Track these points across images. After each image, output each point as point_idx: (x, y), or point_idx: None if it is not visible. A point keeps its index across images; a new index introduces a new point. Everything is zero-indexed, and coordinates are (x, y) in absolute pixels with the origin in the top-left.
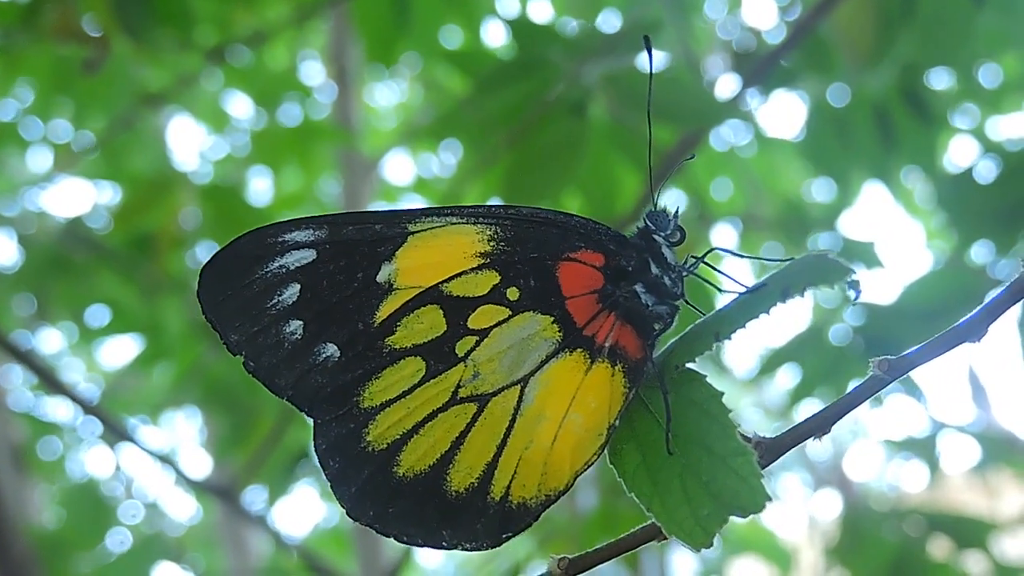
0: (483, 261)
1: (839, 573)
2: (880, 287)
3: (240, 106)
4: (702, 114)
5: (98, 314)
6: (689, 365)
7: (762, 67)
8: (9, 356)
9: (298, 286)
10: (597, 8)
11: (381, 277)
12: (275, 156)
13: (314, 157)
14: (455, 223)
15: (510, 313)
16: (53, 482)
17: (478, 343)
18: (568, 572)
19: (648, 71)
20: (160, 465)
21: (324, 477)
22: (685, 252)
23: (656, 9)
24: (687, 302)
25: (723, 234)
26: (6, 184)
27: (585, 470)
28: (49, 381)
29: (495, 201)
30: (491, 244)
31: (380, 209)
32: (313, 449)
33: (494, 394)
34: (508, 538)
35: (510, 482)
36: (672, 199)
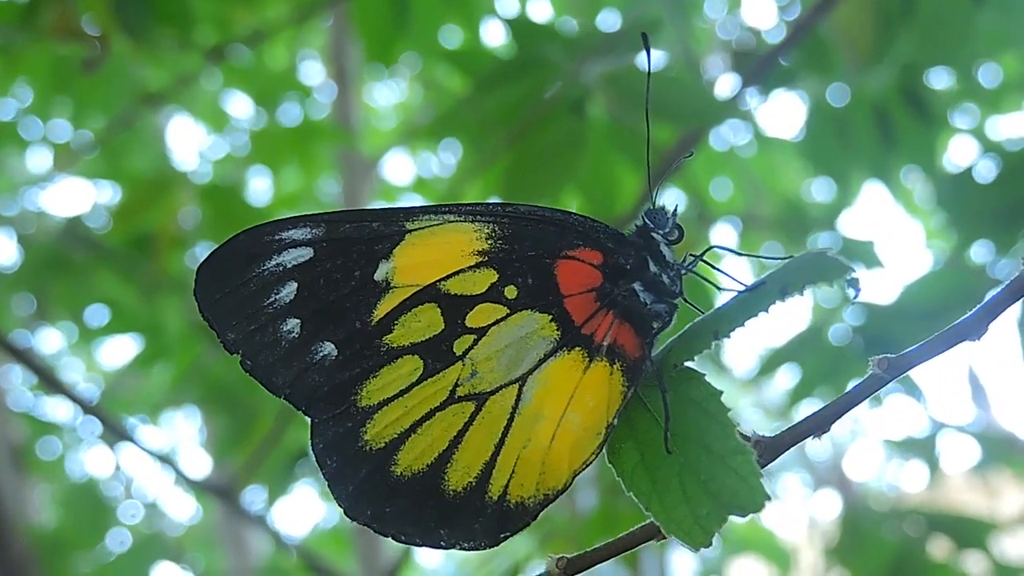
0: (481, 259)
1: (839, 573)
2: (880, 287)
3: (240, 106)
4: (702, 113)
5: (97, 314)
6: (688, 364)
7: (761, 66)
8: (9, 356)
9: (295, 284)
10: (597, 8)
11: (378, 275)
12: (274, 156)
13: (314, 157)
14: (453, 221)
15: (508, 311)
16: (53, 482)
17: (476, 342)
18: (566, 572)
19: (647, 70)
20: (160, 465)
21: (322, 476)
22: (684, 251)
23: (656, 8)
24: (686, 300)
25: (723, 234)
26: (6, 184)
27: (583, 469)
28: (49, 381)
29: (494, 200)
30: (489, 242)
31: (377, 207)
32: (311, 448)
33: (492, 393)
34: (506, 538)
35: (508, 481)
36: (671, 198)
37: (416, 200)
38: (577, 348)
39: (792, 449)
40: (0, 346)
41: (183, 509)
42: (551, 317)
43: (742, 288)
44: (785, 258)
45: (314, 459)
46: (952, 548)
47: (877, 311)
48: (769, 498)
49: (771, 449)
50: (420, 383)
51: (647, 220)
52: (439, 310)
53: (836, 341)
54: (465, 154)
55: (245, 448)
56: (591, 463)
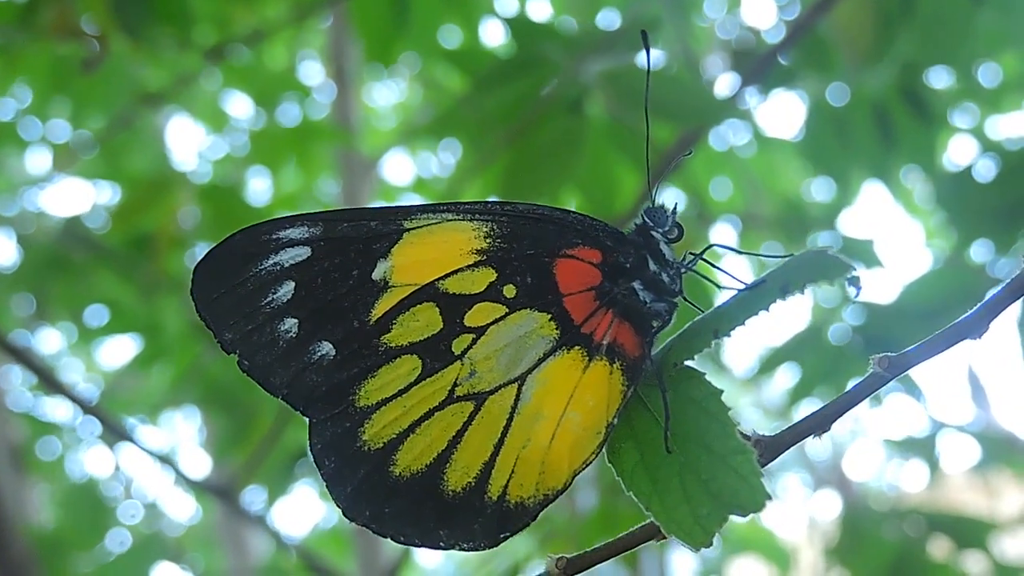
0: (479, 258)
1: (839, 573)
2: (879, 286)
3: (239, 106)
4: (701, 112)
5: (97, 314)
6: (688, 363)
7: (761, 66)
8: (8, 356)
9: (293, 284)
10: (596, 7)
11: (376, 274)
12: (274, 156)
13: (313, 157)
14: (451, 219)
15: (507, 311)
16: (52, 482)
17: (475, 341)
18: (566, 572)
19: (647, 68)
20: (159, 465)
21: (320, 477)
22: (684, 250)
23: (655, 8)
24: (686, 299)
25: (722, 233)
26: (5, 184)
27: (583, 469)
28: (48, 381)
29: (493, 199)
30: (487, 241)
31: (375, 206)
32: (309, 449)
33: (491, 392)
34: (506, 538)
35: (507, 481)
36: (671, 197)
37: (415, 200)
38: (576, 347)
39: (792, 449)
40: (0, 346)
41: (183, 509)
42: (550, 316)
43: (742, 286)
44: (785, 256)
45: (312, 460)
46: (952, 548)
47: (877, 310)
48: (770, 498)
49: (772, 448)
50: (419, 383)
51: (647, 218)
52: (437, 309)
53: (836, 340)
54: (464, 153)
55: (245, 448)
56: (591, 463)
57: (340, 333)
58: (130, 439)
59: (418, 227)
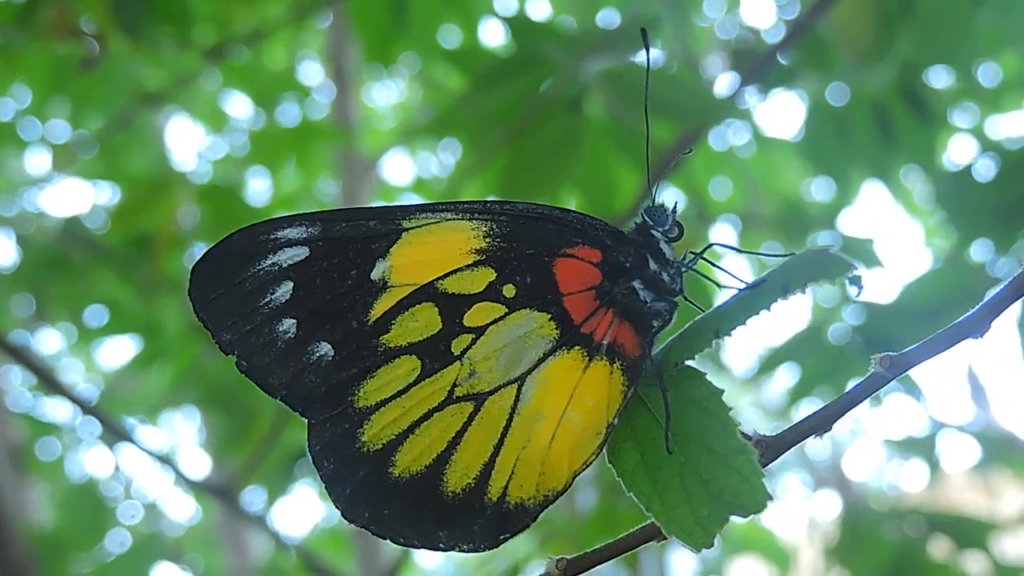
0: (479, 258)
1: (838, 573)
2: (879, 286)
3: (238, 106)
4: (701, 111)
5: (97, 314)
6: (688, 363)
7: (760, 65)
8: (8, 356)
9: (291, 284)
10: (595, 6)
11: (375, 274)
12: (273, 156)
13: (312, 157)
14: (450, 219)
15: (506, 310)
16: (52, 482)
17: (474, 341)
18: (567, 573)
19: (646, 67)
20: (159, 465)
21: (319, 478)
22: (684, 249)
23: (655, 7)
24: (686, 298)
25: (722, 233)
26: (5, 184)
27: (584, 470)
28: (48, 381)
29: (492, 199)
30: (487, 240)
31: (374, 205)
32: (308, 450)
33: (491, 393)
34: (506, 539)
35: (507, 482)
36: (671, 196)
37: (415, 200)
38: (576, 347)
39: (792, 449)
40: (0, 346)
41: (182, 509)
42: (550, 316)
43: (743, 286)
44: (786, 255)
45: (311, 461)
46: (952, 548)
47: (877, 310)
48: (771, 498)
49: (772, 449)
50: (418, 383)
51: (647, 217)
52: (437, 309)
53: (836, 340)
54: (464, 153)
55: (244, 448)
56: (591, 463)
57: (339, 333)
58: (130, 439)
59: (417, 227)
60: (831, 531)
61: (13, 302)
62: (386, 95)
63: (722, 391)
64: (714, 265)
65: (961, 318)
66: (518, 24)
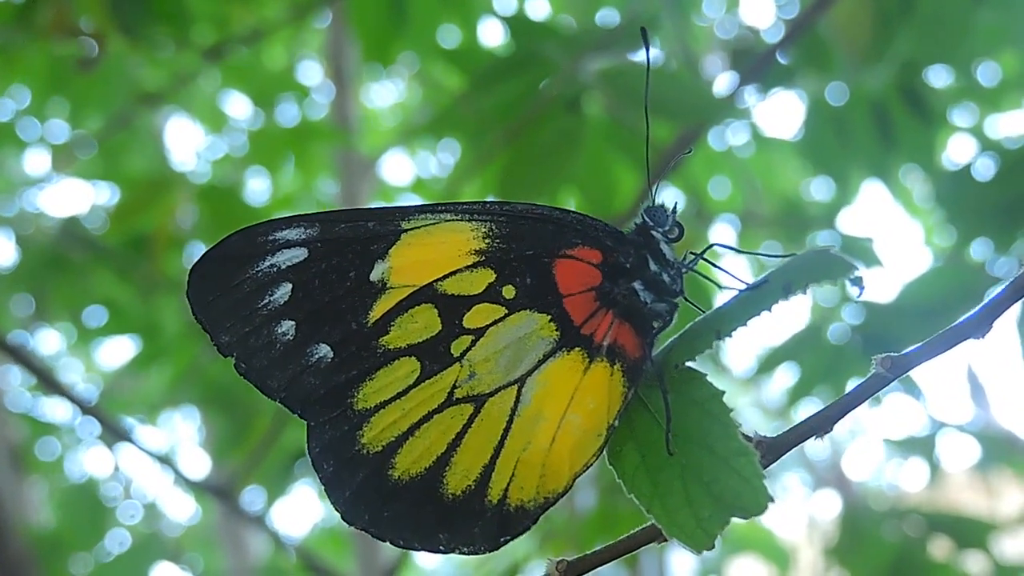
0: (478, 259)
1: (838, 573)
2: (879, 285)
3: (237, 106)
4: (700, 110)
5: (96, 314)
6: (689, 364)
7: (760, 65)
8: (8, 356)
9: (290, 285)
10: (595, 6)
11: (374, 276)
12: (272, 156)
13: (312, 157)
14: (449, 220)
15: (506, 312)
16: (52, 482)
17: (474, 343)
18: (567, 575)
19: (646, 66)
20: (158, 465)
21: (318, 481)
22: (684, 249)
23: (654, 6)
24: (686, 299)
25: (722, 232)
26: (4, 184)
27: (584, 472)
28: (47, 381)
29: (491, 199)
30: (486, 241)
31: (373, 206)
32: (307, 452)
33: (491, 395)
34: (506, 542)
35: (508, 484)
36: (670, 196)
37: (414, 200)
38: (577, 348)
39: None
40: (0, 346)
41: (182, 509)
42: (550, 317)
43: (744, 286)
44: (787, 256)
45: (311, 463)
46: (952, 548)
47: (876, 309)
48: (772, 500)
49: (773, 450)
50: (417, 385)
51: (647, 218)
52: (436, 311)
53: (835, 340)
54: (463, 153)
55: (244, 448)
56: (592, 465)
57: (338, 335)
58: (129, 439)
59: (416, 228)
60: (831, 531)
61: (12, 302)
62: (385, 95)
63: (723, 392)
64: (714, 266)
65: (962, 319)
66: (517, 23)
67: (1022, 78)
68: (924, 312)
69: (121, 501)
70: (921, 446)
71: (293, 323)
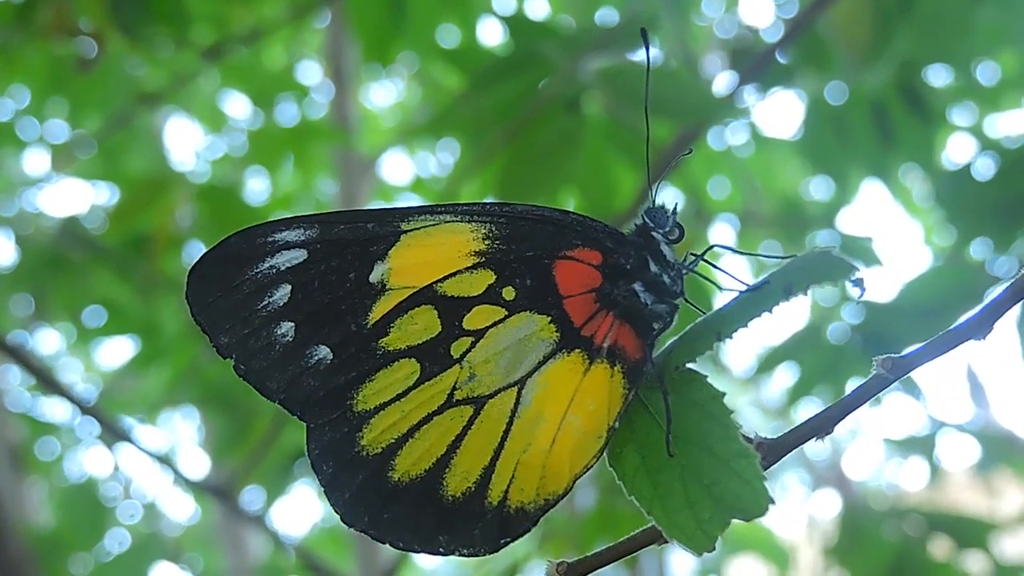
0: (478, 260)
1: (838, 572)
2: (879, 285)
3: (237, 105)
4: (699, 110)
5: (95, 314)
6: (690, 365)
7: (759, 64)
8: (7, 356)
9: (289, 287)
10: (594, 5)
11: (374, 277)
12: (272, 156)
13: (311, 157)
14: (449, 221)
15: (506, 313)
16: (51, 482)
17: (474, 344)
18: None
19: (645, 66)
20: (158, 465)
21: (318, 482)
22: (683, 250)
23: (653, 6)
24: (687, 301)
25: (721, 232)
26: (3, 184)
27: (584, 473)
28: (47, 381)
29: (491, 199)
30: (486, 243)
31: (372, 207)
32: (307, 453)
33: (491, 396)
34: (506, 544)
35: (508, 486)
36: (670, 196)
37: (414, 200)
38: (577, 350)
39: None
40: None
41: (181, 509)
42: (550, 319)
43: (744, 288)
44: (787, 257)
45: (310, 465)
46: (952, 548)
47: (876, 309)
48: (773, 502)
49: (774, 451)
50: (417, 387)
51: (647, 219)
52: (436, 312)
53: (835, 339)
54: (463, 153)
55: (243, 448)
56: (592, 467)
57: (337, 337)
58: (129, 439)
59: (416, 229)
60: (830, 530)
61: (12, 302)
62: (384, 95)
63: (723, 394)
64: (715, 267)
65: (963, 320)
66: (516, 23)
67: (1022, 77)
68: (924, 312)
69: (121, 501)
70: (921, 446)
71: (292, 324)
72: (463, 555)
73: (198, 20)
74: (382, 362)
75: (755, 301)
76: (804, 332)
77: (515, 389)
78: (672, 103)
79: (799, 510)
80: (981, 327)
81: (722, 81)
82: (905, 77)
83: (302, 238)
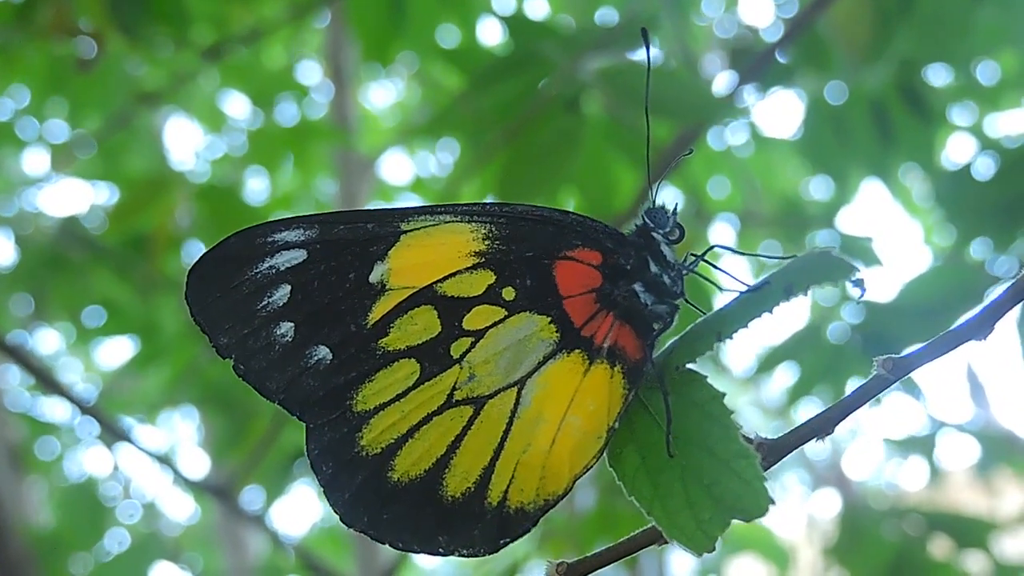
0: (478, 260)
1: (838, 572)
2: (879, 285)
3: (236, 105)
4: (699, 110)
5: (95, 314)
6: (690, 365)
7: (759, 64)
8: (7, 356)
9: (289, 287)
10: (594, 5)
11: (373, 277)
12: (271, 156)
13: (311, 156)
14: (449, 221)
15: (506, 313)
16: (51, 482)
17: (473, 344)
18: None
19: (645, 65)
20: (158, 465)
21: (317, 482)
22: (683, 250)
23: (653, 5)
24: (687, 301)
25: (721, 232)
26: (3, 184)
27: (584, 474)
28: (46, 381)
29: (490, 199)
30: (486, 243)
31: (372, 208)
32: (306, 454)
33: (490, 397)
34: (506, 544)
35: (507, 487)
36: (670, 196)
37: (414, 200)
38: (577, 350)
39: None
40: None
41: (181, 509)
42: (550, 319)
43: (745, 288)
44: (787, 257)
45: (310, 465)
46: (952, 547)
47: (876, 309)
48: (773, 502)
49: (774, 452)
50: (417, 387)
51: (647, 219)
52: (436, 312)
53: (835, 339)
54: (462, 152)
55: (243, 448)
56: (592, 467)
57: (337, 337)
58: (128, 439)
59: (415, 229)
60: (830, 530)
61: (12, 302)
62: (384, 94)
63: (723, 394)
64: (715, 267)
65: (963, 320)
66: (516, 23)
67: (1021, 77)
68: (924, 311)
69: (120, 501)
70: (921, 445)
71: (292, 325)
72: (463, 555)
73: (198, 20)
74: (382, 362)
75: (755, 301)
76: (804, 332)
77: (515, 389)
78: (672, 103)
79: (799, 510)
80: (981, 327)
81: (722, 81)
82: (905, 77)
83: (302, 238)
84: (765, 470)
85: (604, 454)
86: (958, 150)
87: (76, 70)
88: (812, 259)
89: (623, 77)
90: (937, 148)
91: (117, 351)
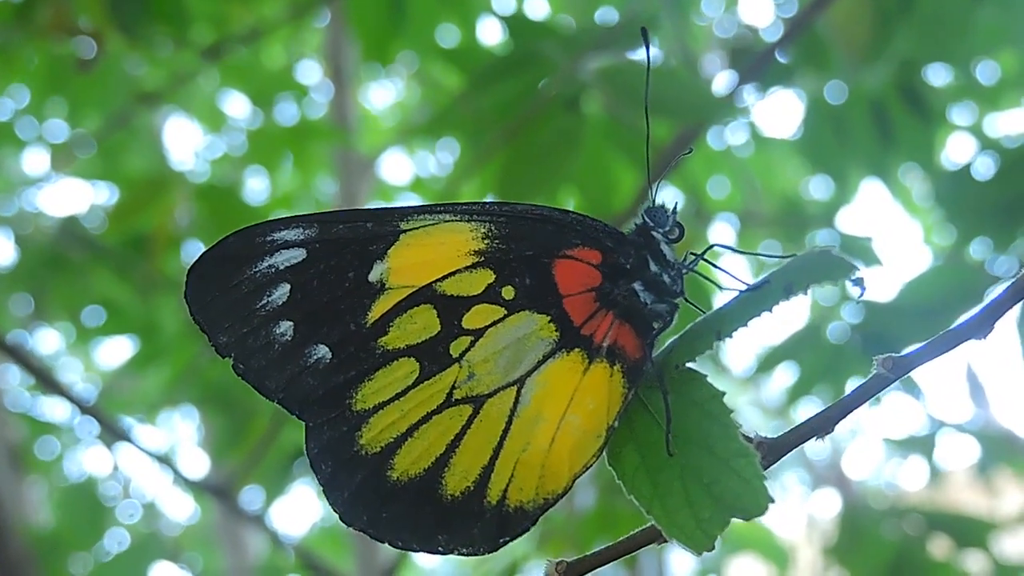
0: (477, 259)
1: (838, 572)
2: (878, 285)
3: (236, 105)
4: (699, 109)
5: (95, 314)
6: (689, 364)
7: (759, 64)
8: (7, 356)
9: (288, 286)
10: (594, 5)
11: (373, 276)
12: (271, 155)
13: (310, 156)
14: (448, 220)
15: (505, 312)
16: (51, 482)
17: (473, 343)
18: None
19: (645, 65)
20: (157, 465)
21: (317, 481)
22: (683, 249)
23: (653, 5)
24: (687, 300)
25: (721, 231)
26: (3, 184)
27: (584, 473)
28: (46, 381)
29: (490, 198)
30: (485, 242)
31: (372, 207)
32: (306, 453)
33: (490, 395)
34: (505, 543)
35: (507, 486)
36: (670, 196)
37: (413, 200)
38: (576, 349)
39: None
40: None
41: (181, 509)
42: (550, 318)
43: (744, 287)
44: (787, 256)
45: (309, 464)
46: (952, 547)
47: (876, 308)
48: (772, 501)
49: (774, 451)
50: (416, 386)
51: (647, 218)
52: (435, 311)
53: (834, 339)
54: (462, 152)
55: (243, 448)
56: (591, 466)
57: (336, 336)
58: (128, 439)
59: (415, 228)
60: (830, 530)
61: (11, 302)
62: (384, 94)
63: (723, 393)
64: (715, 266)
65: (963, 320)
66: (516, 23)
67: (1021, 77)
68: (924, 311)
69: (120, 500)
70: (921, 445)
71: (291, 324)
72: (462, 554)
73: (198, 20)
74: (381, 361)
75: (755, 301)
76: (804, 332)
77: (514, 388)
78: (672, 102)
79: (799, 510)
80: (981, 327)
81: (722, 81)
82: (905, 77)
83: (301, 237)
84: (765, 469)
85: (603, 453)
86: (958, 150)
87: (76, 70)
88: (812, 258)
89: (623, 77)
90: (937, 148)
91: (117, 351)
